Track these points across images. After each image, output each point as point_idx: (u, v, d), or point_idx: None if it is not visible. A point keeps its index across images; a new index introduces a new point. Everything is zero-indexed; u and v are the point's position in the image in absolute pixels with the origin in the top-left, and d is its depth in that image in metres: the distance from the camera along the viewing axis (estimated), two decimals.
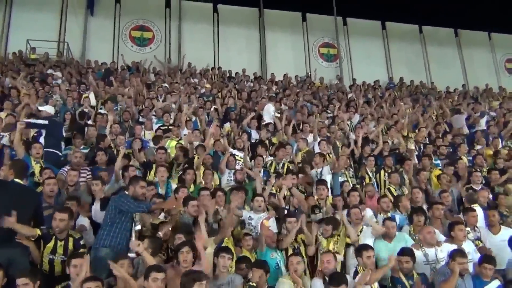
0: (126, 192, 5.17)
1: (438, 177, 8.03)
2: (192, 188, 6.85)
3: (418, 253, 5.19)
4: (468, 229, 5.88)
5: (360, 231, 5.73)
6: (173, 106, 11.10)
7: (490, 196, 7.22)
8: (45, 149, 7.13)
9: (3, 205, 4.34)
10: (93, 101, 11.06)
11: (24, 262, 4.36)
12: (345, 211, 6.21)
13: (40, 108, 8.46)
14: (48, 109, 8.50)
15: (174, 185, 6.90)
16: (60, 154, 7.60)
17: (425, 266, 5.23)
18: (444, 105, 13.96)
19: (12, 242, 4.33)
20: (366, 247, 5.11)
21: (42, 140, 7.53)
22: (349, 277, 4.72)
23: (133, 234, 4.91)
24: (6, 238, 4.27)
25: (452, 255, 4.84)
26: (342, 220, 5.70)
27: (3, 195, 4.48)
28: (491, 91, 18.85)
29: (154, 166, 7.30)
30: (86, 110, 9.99)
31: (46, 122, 7.79)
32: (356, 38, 21.06)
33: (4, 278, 3.89)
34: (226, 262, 4.58)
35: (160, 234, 5.11)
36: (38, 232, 4.52)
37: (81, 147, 7.88)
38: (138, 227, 5.05)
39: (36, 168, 6.63)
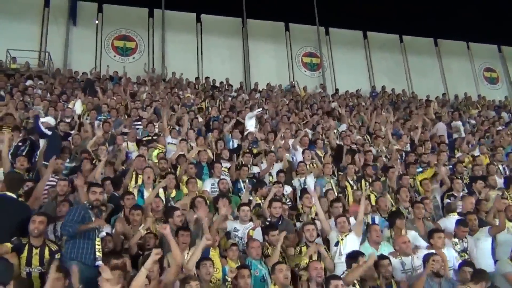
0: (85, 202, 5.06)
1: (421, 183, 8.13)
2: (174, 193, 6.90)
3: (395, 261, 5.26)
4: (456, 240, 5.99)
5: (346, 235, 5.70)
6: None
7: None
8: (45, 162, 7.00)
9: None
10: (78, 110, 10.95)
11: (9, 277, 4.23)
12: (331, 220, 6.27)
13: (42, 119, 8.30)
14: (50, 120, 8.38)
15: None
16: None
17: (402, 274, 5.29)
18: (427, 113, 14.19)
19: None
20: (358, 254, 5.13)
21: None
22: None
23: (97, 243, 4.80)
24: None
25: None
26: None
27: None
28: (470, 99, 19.25)
29: (134, 173, 7.26)
30: (67, 120, 9.86)
31: (49, 133, 7.79)
32: (338, 48, 21.32)
33: None
34: (209, 269, 4.57)
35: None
36: (8, 246, 4.39)
37: (67, 161, 7.85)
38: (103, 233, 5.00)
39: None
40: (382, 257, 5.04)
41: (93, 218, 4.86)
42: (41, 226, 4.63)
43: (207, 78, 17.22)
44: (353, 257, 5.10)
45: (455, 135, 12.15)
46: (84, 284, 4.24)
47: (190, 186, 7.11)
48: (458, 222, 6.25)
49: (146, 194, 6.67)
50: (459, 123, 12.80)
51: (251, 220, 6.12)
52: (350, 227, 5.84)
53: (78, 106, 11.14)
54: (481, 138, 11.78)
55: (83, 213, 4.79)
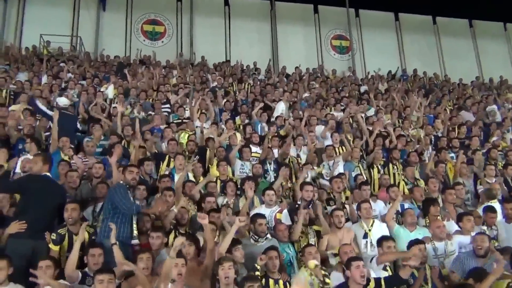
0: (121, 181, 5.13)
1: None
2: (201, 180, 6.92)
3: (427, 247, 5.18)
4: (484, 228, 5.85)
5: (372, 225, 5.70)
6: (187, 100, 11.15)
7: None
8: None
9: (42, 201, 4.66)
10: (110, 95, 11.15)
11: (47, 253, 4.55)
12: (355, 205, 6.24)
13: (58, 100, 8.55)
14: (62, 101, 8.56)
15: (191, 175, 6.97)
16: (72, 146, 7.60)
17: (434, 259, 5.23)
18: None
19: (38, 235, 4.61)
20: (387, 238, 5.13)
21: None
22: None
23: (134, 221, 4.94)
24: (33, 231, 4.57)
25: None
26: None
27: (41, 190, 4.71)
28: (506, 82, 18.56)
29: (167, 157, 7.40)
30: (100, 103, 10.06)
31: (51, 113, 7.84)
32: (368, 30, 20.85)
33: (10, 267, 3.99)
34: (242, 252, 4.63)
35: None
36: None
37: (102, 138, 8.07)
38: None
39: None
40: (417, 241, 4.98)
41: (131, 197, 4.99)
42: (74, 214, 4.77)
43: (236, 62, 17.18)
44: (378, 240, 5.15)
45: (490, 120, 11.76)
46: (114, 263, 4.37)
47: (221, 169, 7.17)
48: (485, 209, 6.13)
49: (176, 178, 6.73)
50: (495, 107, 12.36)
51: (276, 203, 6.12)
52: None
53: (110, 91, 11.34)
54: None
55: (126, 191, 4.92)
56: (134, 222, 4.93)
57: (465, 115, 12.04)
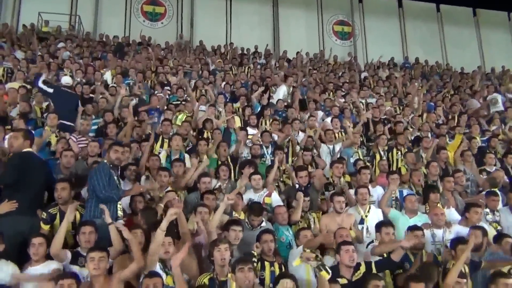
0: (105, 161, 5.01)
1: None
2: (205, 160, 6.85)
3: (426, 232, 5.15)
4: (487, 210, 5.83)
5: (368, 211, 5.67)
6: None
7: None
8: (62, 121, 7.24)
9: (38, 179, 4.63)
10: (109, 80, 11.04)
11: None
12: (353, 191, 6.18)
13: (62, 79, 8.51)
14: (66, 79, 8.50)
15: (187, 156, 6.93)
16: (73, 125, 7.57)
17: (431, 246, 5.19)
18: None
19: (34, 212, 4.62)
20: (386, 223, 5.08)
21: None
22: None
23: (119, 201, 4.85)
24: (31, 208, 4.59)
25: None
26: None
27: (32, 167, 4.65)
28: (508, 72, 18.42)
29: (160, 137, 7.36)
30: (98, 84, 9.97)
31: (51, 91, 7.82)
32: (371, 16, 20.58)
33: (1, 244, 3.98)
34: (238, 235, 4.56)
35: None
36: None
37: (93, 117, 8.07)
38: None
39: (53, 138, 6.77)
40: (415, 227, 4.94)
41: (115, 177, 4.88)
42: (63, 193, 4.67)
43: (231, 44, 17.05)
44: (377, 225, 5.09)
45: (492, 109, 11.68)
46: (105, 242, 4.30)
47: (221, 150, 7.09)
48: (488, 193, 6.10)
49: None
50: (496, 95, 12.27)
51: (264, 187, 6.05)
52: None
53: (108, 76, 11.19)
54: None
55: (108, 174, 4.76)
56: (119, 202, 4.83)
57: (473, 102, 11.93)
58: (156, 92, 10.21)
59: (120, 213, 4.81)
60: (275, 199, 5.91)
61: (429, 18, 21.23)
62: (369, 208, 5.71)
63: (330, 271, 3.91)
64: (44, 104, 8.47)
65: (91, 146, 6.30)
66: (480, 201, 6.01)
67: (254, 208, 5.16)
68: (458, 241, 4.70)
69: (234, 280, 3.81)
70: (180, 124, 8.33)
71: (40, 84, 7.89)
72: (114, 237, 4.25)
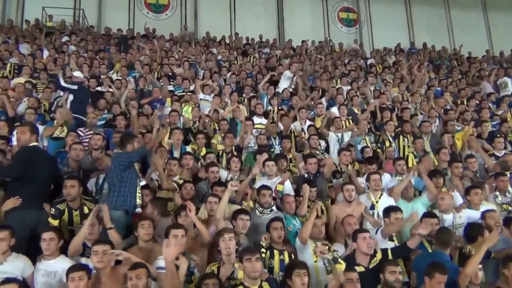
0: (121, 151, 5.17)
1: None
2: (203, 152, 6.92)
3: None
4: (497, 193, 5.81)
5: (379, 197, 5.64)
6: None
7: None
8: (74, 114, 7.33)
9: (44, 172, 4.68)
10: (114, 76, 10.99)
11: (49, 224, 4.55)
12: (360, 178, 6.20)
13: (74, 74, 8.53)
14: (78, 74, 8.55)
15: (189, 149, 6.94)
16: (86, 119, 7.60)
17: None
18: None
19: (41, 205, 4.62)
20: (395, 208, 5.06)
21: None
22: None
23: (138, 190, 4.94)
24: (37, 201, 4.59)
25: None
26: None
27: (39, 161, 4.67)
28: None
29: (168, 128, 7.35)
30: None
31: (75, 87, 7.88)
32: (377, 2, 20.29)
33: (12, 238, 3.98)
34: (246, 224, 4.57)
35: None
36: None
37: (105, 112, 8.22)
38: (143, 182, 5.22)
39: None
40: (431, 214, 4.95)
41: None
42: (72, 191, 4.66)
43: (237, 34, 16.97)
44: (385, 211, 5.08)
45: (502, 93, 11.53)
46: (125, 231, 4.36)
47: (227, 141, 7.08)
48: (496, 174, 6.07)
49: (175, 154, 6.71)
50: (506, 79, 12.09)
51: (277, 175, 6.02)
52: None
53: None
54: None
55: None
56: (139, 191, 4.91)
57: (486, 86, 11.81)
58: (162, 84, 10.20)
59: (138, 201, 4.90)
60: (288, 187, 5.89)
61: (435, 3, 20.85)
62: (381, 194, 5.68)
63: (343, 262, 3.91)
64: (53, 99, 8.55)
65: (94, 139, 6.32)
66: (489, 183, 5.96)
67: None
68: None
69: (241, 269, 3.83)
70: (187, 115, 8.39)
71: (64, 84, 7.95)
72: (115, 241, 4.23)
